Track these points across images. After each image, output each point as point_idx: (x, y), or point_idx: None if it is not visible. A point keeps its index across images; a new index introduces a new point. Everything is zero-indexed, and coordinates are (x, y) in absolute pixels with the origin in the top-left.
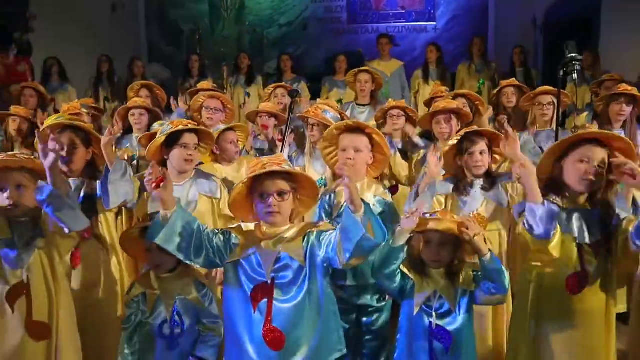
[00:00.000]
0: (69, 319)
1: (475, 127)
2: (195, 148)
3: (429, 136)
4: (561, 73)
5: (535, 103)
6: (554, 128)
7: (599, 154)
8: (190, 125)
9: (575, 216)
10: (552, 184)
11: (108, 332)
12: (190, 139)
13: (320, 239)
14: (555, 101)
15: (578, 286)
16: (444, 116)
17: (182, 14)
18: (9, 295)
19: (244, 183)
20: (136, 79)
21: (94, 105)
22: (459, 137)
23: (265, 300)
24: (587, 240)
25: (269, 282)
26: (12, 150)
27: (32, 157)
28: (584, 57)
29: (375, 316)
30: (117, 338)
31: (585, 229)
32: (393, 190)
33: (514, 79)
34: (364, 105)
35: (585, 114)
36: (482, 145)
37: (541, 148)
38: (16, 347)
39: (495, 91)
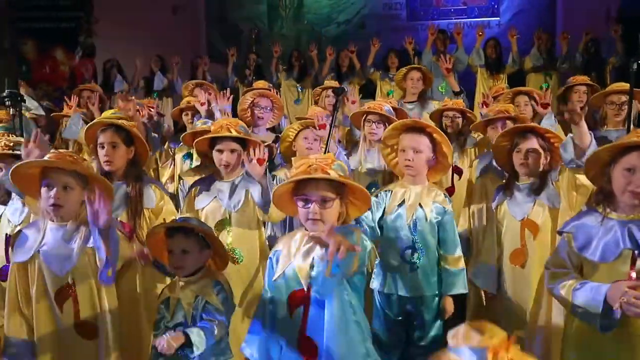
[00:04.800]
0: (115, 319)
1: (531, 123)
2: (233, 152)
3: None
4: (634, 67)
5: (607, 101)
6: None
7: None
8: (230, 132)
9: (634, 228)
10: (601, 193)
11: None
12: (224, 145)
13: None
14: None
15: None
16: (501, 122)
17: (241, 15)
18: (57, 297)
19: (285, 185)
20: (198, 78)
21: (151, 106)
22: (508, 132)
23: (301, 307)
24: None
25: (306, 289)
26: (67, 148)
27: (82, 159)
28: None
29: (425, 330)
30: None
31: None
32: (449, 191)
33: (586, 76)
34: (411, 103)
35: None
36: (531, 142)
37: None
38: (67, 347)
39: (563, 88)
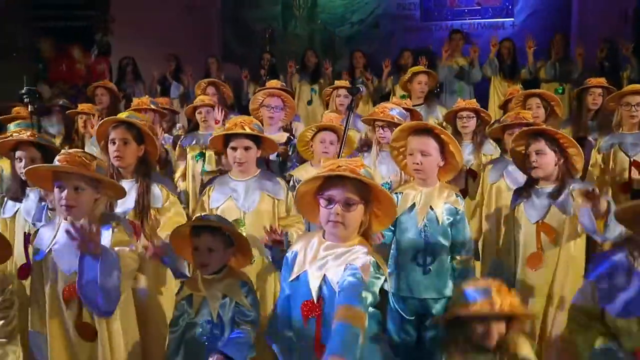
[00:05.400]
0: (125, 320)
1: (541, 125)
2: (247, 149)
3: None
4: None
5: (622, 103)
6: None
7: None
8: (242, 130)
9: None
10: (634, 242)
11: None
12: (238, 142)
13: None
14: None
15: None
16: (518, 129)
17: (256, 15)
18: (64, 295)
19: (312, 181)
20: (211, 77)
21: (165, 106)
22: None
23: (313, 317)
24: None
25: (316, 300)
26: (83, 147)
27: (92, 160)
28: None
29: (437, 331)
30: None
31: None
32: (463, 193)
33: (603, 78)
34: (418, 105)
35: None
36: (538, 144)
37: (626, 153)
38: (74, 346)
39: (578, 90)
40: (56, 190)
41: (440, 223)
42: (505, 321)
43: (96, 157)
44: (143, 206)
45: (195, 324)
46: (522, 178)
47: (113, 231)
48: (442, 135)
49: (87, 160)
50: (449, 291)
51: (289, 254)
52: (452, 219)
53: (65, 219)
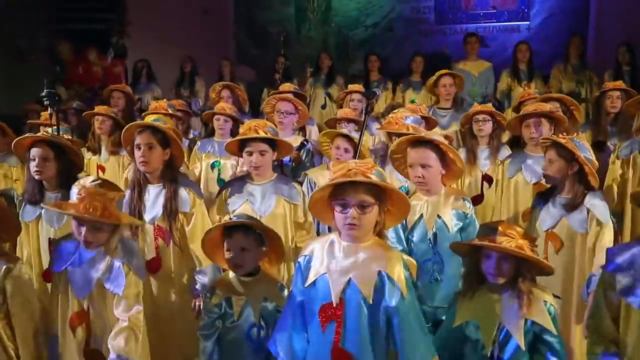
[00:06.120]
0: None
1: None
2: (263, 153)
3: (517, 143)
4: None
5: None
6: None
7: None
8: (257, 134)
9: None
10: None
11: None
12: (253, 147)
13: (394, 285)
14: None
15: None
16: (534, 120)
17: (270, 17)
18: (71, 321)
19: (325, 188)
20: (224, 79)
21: (181, 108)
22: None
23: (333, 321)
24: None
25: (337, 303)
26: (99, 149)
27: (110, 194)
28: None
29: None
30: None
31: None
32: (478, 199)
33: (620, 81)
34: (445, 109)
35: None
36: (549, 153)
37: None
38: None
39: (597, 94)
40: (74, 224)
41: (450, 230)
42: (514, 263)
43: (115, 189)
44: (171, 211)
45: (236, 327)
46: (540, 172)
47: (123, 272)
48: (440, 146)
49: (107, 199)
50: None
51: (301, 260)
52: (461, 223)
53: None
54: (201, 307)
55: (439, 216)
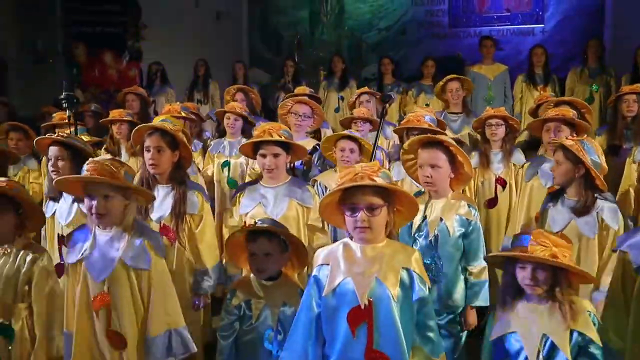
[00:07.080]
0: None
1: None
2: (276, 156)
3: (535, 145)
4: None
5: None
6: None
7: None
8: (271, 137)
9: None
10: None
11: None
12: (267, 149)
13: (419, 278)
14: None
15: None
16: (555, 124)
17: (283, 20)
18: (95, 303)
19: (333, 194)
20: (238, 82)
21: (194, 111)
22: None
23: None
24: None
25: (365, 305)
26: (119, 152)
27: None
28: None
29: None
30: None
31: None
32: (492, 202)
33: (637, 84)
34: (456, 114)
35: None
36: (557, 155)
37: None
38: (95, 350)
39: (613, 97)
40: (86, 199)
41: (451, 235)
42: (551, 272)
43: (124, 164)
44: (179, 212)
45: (253, 330)
46: None
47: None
48: (450, 147)
49: (115, 168)
50: (461, 302)
51: (316, 272)
52: (463, 230)
53: (98, 226)
54: (201, 306)
55: (441, 219)
